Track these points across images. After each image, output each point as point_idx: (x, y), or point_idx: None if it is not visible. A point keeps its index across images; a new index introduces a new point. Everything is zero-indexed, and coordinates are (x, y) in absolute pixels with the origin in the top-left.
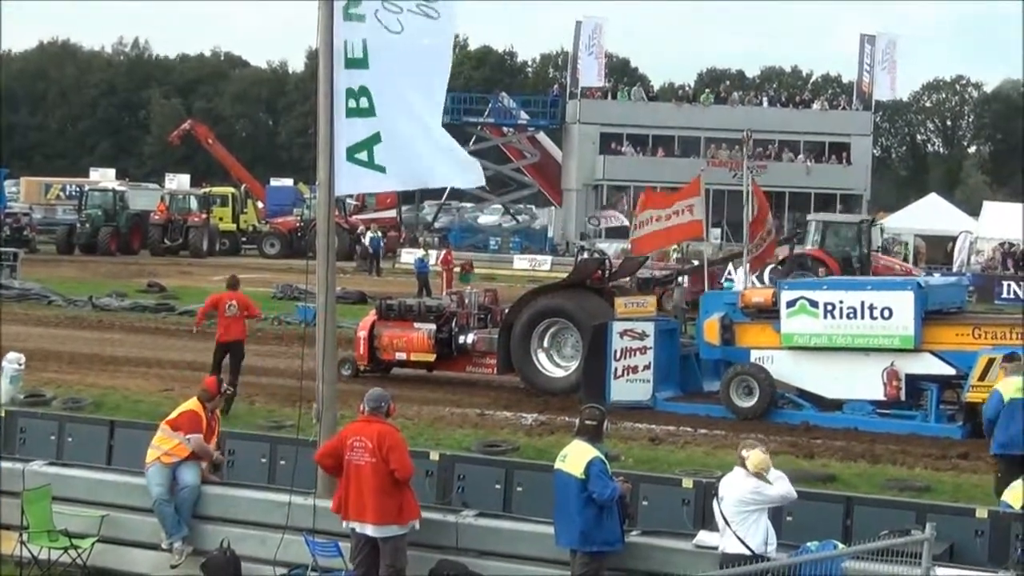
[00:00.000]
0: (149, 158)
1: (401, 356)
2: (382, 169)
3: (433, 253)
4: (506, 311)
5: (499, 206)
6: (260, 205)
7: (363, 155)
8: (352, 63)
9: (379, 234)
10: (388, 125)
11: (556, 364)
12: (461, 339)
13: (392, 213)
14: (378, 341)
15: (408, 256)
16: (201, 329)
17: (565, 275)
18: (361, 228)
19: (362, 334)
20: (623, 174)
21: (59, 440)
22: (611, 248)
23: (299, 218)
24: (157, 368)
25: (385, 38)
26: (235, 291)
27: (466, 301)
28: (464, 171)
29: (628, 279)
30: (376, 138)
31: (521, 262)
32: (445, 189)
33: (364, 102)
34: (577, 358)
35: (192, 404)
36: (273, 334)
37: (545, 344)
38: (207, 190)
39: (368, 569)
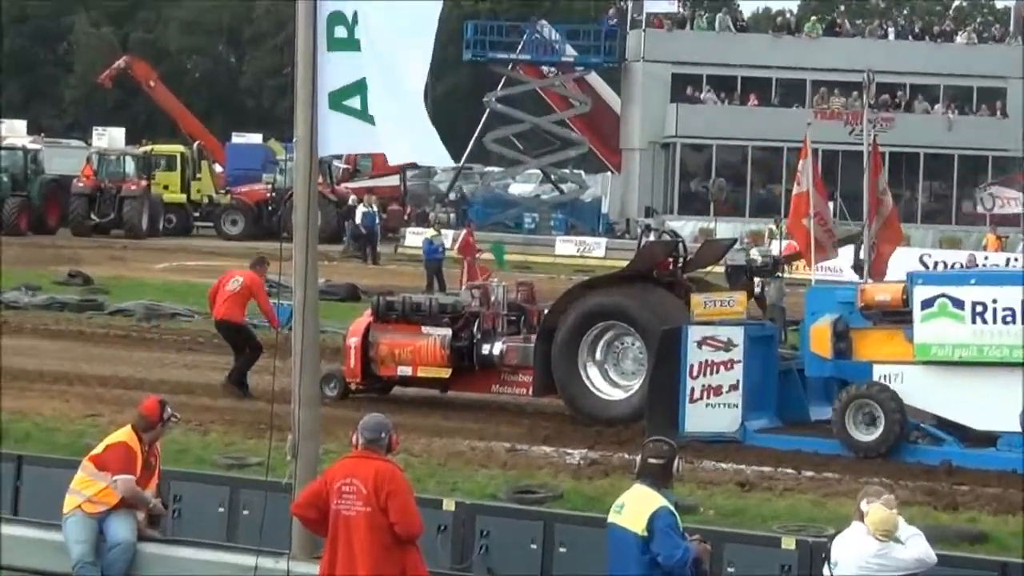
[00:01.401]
0: (71, 106)
1: (405, 371)
2: (372, 121)
3: (448, 234)
4: (545, 312)
5: (536, 171)
6: (219, 169)
7: (353, 101)
8: None
9: (375, 208)
10: (376, 65)
11: (612, 383)
12: (486, 349)
13: (394, 180)
14: (375, 351)
15: (415, 238)
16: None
17: (625, 264)
18: (352, 200)
19: (353, 341)
20: (702, 128)
21: None
22: (686, 228)
23: (270, 186)
24: (80, 386)
25: None
26: (255, 271)
27: (492, 298)
28: (429, 147)
29: (711, 268)
30: (364, 84)
31: (566, 246)
32: (465, 148)
33: (357, 31)
34: (640, 375)
35: (124, 435)
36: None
37: (597, 356)
38: (148, 149)
39: None
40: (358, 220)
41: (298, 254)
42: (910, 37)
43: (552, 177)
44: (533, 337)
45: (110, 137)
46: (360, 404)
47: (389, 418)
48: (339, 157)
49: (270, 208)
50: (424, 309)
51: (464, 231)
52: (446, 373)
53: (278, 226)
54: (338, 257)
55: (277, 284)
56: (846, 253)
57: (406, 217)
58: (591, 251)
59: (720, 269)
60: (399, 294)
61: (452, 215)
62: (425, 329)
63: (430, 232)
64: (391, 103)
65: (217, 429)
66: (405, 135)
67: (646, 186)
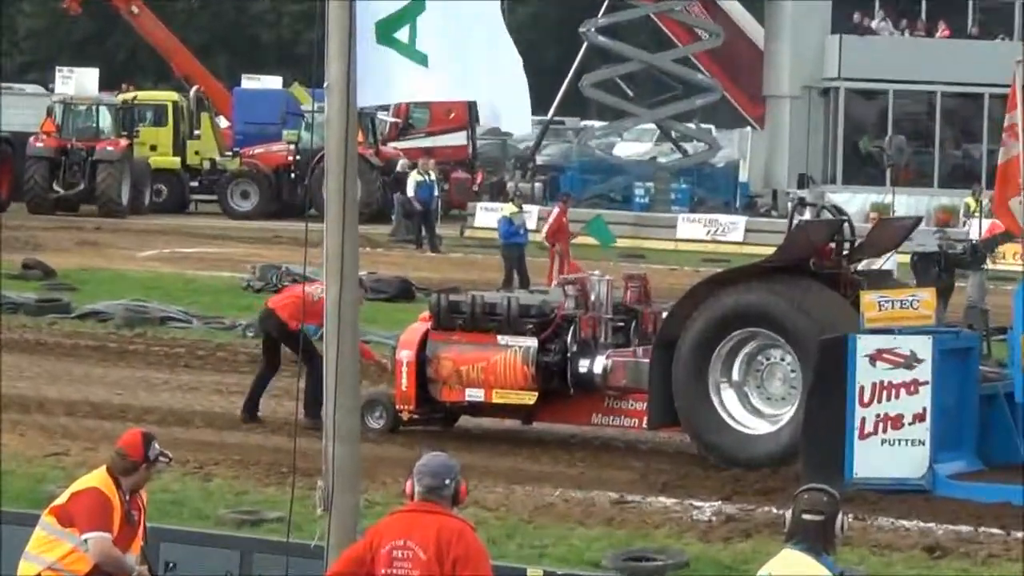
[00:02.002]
0: (25, 40)
1: (476, 395)
2: (423, 60)
3: (532, 211)
4: (664, 316)
5: (651, 126)
6: (224, 124)
7: (402, 34)
8: None
9: (432, 177)
10: None
11: (754, 411)
12: (583, 365)
13: (459, 139)
14: (435, 368)
15: (488, 216)
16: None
17: (771, 251)
18: (403, 165)
19: (406, 355)
20: (873, 68)
21: None
22: (853, 202)
23: (293, 147)
24: (40, 414)
25: None
26: None
27: (592, 297)
28: (512, 107)
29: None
30: (419, 5)
31: (691, 227)
32: (555, 96)
33: None
34: (793, 401)
35: (98, 479)
36: (247, 355)
37: (735, 375)
38: (129, 97)
39: None
40: (410, 192)
41: (331, 237)
42: None
43: (672, 134)
44: (647, 350)
45: (78, 81)
46: (415, 440)
47: (455, 459)
48: (386, 108)
49: (293, 176)
50: (500, 312)
51: (556, 208)
52: (531, 398)
53: (304, 200)
54: (385, 241)
55: (302, 278)
56: None
57: (476, 188)
58: (725, 233)
59: (903, 258)
60: (466, 292)
61: (538, 186)
62: (502, 339)
63: (508, 209)
64: (460, 34)
65: (223, 473)
66: (483, 81)
67: (799, 146)
